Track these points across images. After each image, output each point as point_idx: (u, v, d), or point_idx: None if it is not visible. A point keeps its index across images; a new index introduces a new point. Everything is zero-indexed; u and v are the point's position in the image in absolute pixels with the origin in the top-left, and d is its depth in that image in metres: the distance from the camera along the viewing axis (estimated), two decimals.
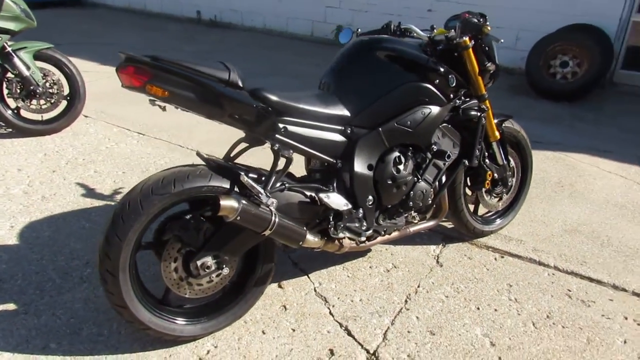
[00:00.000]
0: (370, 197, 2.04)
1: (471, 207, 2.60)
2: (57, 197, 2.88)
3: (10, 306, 2.04)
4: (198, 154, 2.04)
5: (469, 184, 2.56)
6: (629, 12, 5.52)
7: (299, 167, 2.17)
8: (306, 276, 2.33)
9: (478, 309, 2.18)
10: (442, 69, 2.04)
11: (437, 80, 2.05)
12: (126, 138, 3.79)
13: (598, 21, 5.47)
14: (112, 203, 2.85)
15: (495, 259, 2.55)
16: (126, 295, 1.70)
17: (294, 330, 2.00)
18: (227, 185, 1.76)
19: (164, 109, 1.81)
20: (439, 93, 2.07)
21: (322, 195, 1.92)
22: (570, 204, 3.15)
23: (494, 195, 2.61)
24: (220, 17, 8.76)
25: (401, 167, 2.06)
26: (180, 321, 1.84)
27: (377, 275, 2.37)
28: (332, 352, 1.90)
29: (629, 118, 4.90)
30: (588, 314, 2.19)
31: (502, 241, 2.69)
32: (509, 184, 2.61)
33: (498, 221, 2.71)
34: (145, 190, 1.68)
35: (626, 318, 2.17)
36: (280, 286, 2.25)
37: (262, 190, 1.73)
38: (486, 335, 2.03)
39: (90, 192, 2.96)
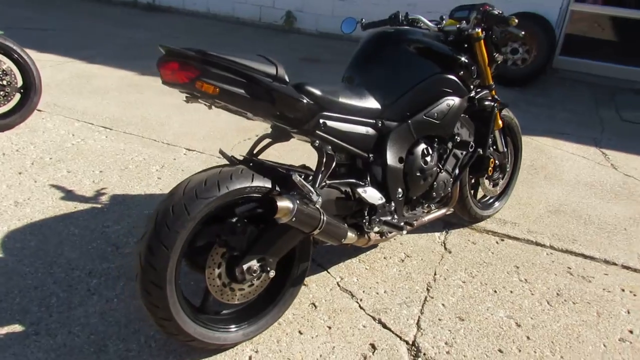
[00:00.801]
0: (400, 190, 2.04)
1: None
2: (32, 201, 2.63)
3: (16, 327, 1.85)
4: (221, 152, 1.94)
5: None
6: (568, 1, 5.88)
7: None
8: (326, 271, 2.30)
9: (495, 292, 2.26)
10: (466, 61, 2.07)
11: (462, 72, 2.08)
12: (92, 133, 3.51)
13: (541, 10, 5.78)
14: (99, 205, 2.64)
15: (497, 242, 2.66)
16: (173, 307, 1.58)
17: (329, 327, 1.97)
18: (269, 184, 1.69)
19: (210, 107, 1.69)
20: (462, 84, 2.10)
21: (359, 190, 1.89)
22: (547, 186, 3.34)
23: (493, 180, 2.71)
24: (159, 0, 8.31)
25: (428, 158, 2.08)
26: (223, 329, 1.75)
27: (393, 265, 2.39)
28: (373, 346, 1.90)
29: (575, 102, 5.25)
30: (591, 289, 2.34)
31: (498, 225, 2.80)
32: (507, 169, 2.71)
33: (496, 204, 2.82)
34: (189, 194, 1.57)
35: (623, 290, 2.35)
36: (303, 283, 2.20)
37: (312, 190, 1.67)
38: (510, 317, 2.11)
39: (69, 195, 2.72)
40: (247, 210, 1.70)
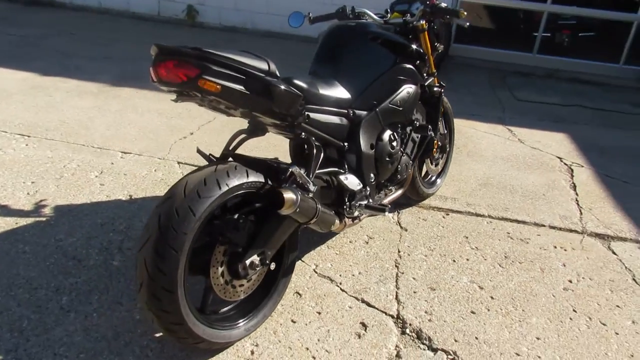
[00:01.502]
0: (372, 175, 2.16)
1: None
2: None
3: None
4: (199, 151, 1.92)
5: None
6: None
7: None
8: (300, 260, 2.36)
9: (454, 261, 2.48)
10: (421, 50, 2.23)
11: (418, 61, 2.24)
12: (9, 142, 3.19)
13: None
14: (43, 218, 2.44)
15: (443, 217, 2.89)
16: (184, 311, 1.56)
17: (319, 312, 2.05)
18: (262, 178, 1.71)
19: (211, 105, 1.66)
20: (417, 73, 2.26)
21: (341, 177, 1.97)
22: (472, 162, 3.67)
23: (435, 160, 2.93)
24: None
25: (395, 143, 2.22)
26: (228, 326, 1.75)
27: (360, 248, 2.51)
28: (363, 324, 2.01)
29: (475, 86, 5.76)
30: (530, 249, 2.66)
31: (440, 201, 3.05)
32: (447, 149, 2.96)
33: (438, 182, 3.06)
34: (191, 194, 1.54)
35: (555, 247, 2.70)
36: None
37: (309, 180, 1.72)
38: (472, 281, 2.34)
39: (5, 211, 2.47)
40: (246, 205, 1.71)
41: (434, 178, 3.07)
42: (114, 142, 3.31)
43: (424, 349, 1.92)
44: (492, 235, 2.75)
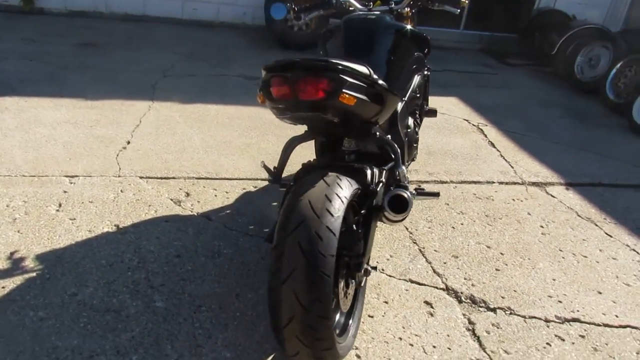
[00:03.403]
0: (407, 162, 2.25)
1: None
2: None
3: None
4: (264, 166, 1.84)
5: None
6: None
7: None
8: None
9: (453, 228, 2.74)
10: (429, 39, 2.33)
11: (426, 49, 2.34)
12: None
13: None
14: (33, 274, 2.00)
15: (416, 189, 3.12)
16: (334, 334, 1.50)
17: (386, 302, 2.12)
18: (361, 185, 1.69)
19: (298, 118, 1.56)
20: (425, 60, 2.38)
21: (401, 169, 2.01)
22: None
23: None
24: None
25: (417, 129, 2.32)
26: (346, 337, 1.72)
27: (376, 232, 2.60)
28: (427, 303, 2.14)
29: None
30: (498, 205, 3.04)
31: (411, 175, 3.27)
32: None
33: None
34: (325, 214, 1.47)
35: (514, 200, 3.14)
36: None
37: (409, 179, 1.74)
38: (479, 243, 2.62)
39: None
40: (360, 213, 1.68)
41: None
42: (46, 166, 2.78)
43: (485, 311, 2.14)
44: (465, 198, 3.07)
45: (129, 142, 3.18)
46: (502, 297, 2.23)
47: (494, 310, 2.15)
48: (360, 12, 2.31)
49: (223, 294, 2.03)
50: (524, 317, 2.13)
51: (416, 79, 2.34)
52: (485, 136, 4.11)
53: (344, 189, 1.58)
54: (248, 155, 3.21)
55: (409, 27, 2.26)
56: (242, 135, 3.50)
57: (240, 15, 6.55)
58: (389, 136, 2.12)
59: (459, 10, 2.47)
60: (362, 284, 1.94)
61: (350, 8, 2.50)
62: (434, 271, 2.35)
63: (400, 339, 1.93)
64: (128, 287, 1.99)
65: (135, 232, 2.33)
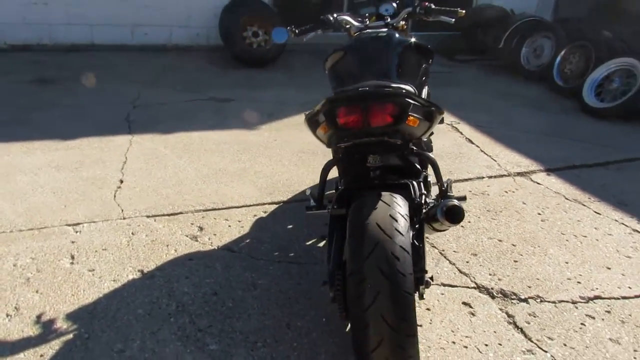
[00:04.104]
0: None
1: None
2: None
3: None
4: (310, 194, 1.86)
5: None
6: None
7: None
8: None
9: (463, 227, 2.84)
10: (433, 51, 2.42)
11: (430, 60, 2.42)
12: None
13: None
14: (68, 337, 1.90)
15: None
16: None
17: (428, 309, 2.17)
18: (406, 201, 1.74)
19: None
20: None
21: (443, 179, 2.07)
22: None
23: None
24: None
25: (431, 137, 2.40)
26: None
27: None
28: (466, 304, 2.22)
29: (314, 70, 6.09)
30: (494, 198, 3.19)
31: None
32: None
33: None
34: (395, 234, 1.51)
35: (506, 192, 3.30)
36: None
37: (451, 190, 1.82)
38: (490, 238, 2.74)
39: (2, 348, 1.84)
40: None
41: None
42: (43, 217, 2.64)
43: (518, 302, 2.25)
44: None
45: (122, 181, 3.07)
46: (529, 287, 2.35)
47: (525, 300, 2.26)
48: (368, 31, 2.36)
49: (273, 326, 2.01)
50: (554, 302, 2.26)
51: (426, 90, 2.43)
52: (461, 133, 4.28)
53: (402, 207, 1.62)
54: (247, 181, 3.18)
55: (414, 40, 2.33)
56: (234, 160, 3.46)
57: (194, 37, 6.45)
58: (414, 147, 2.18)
59: (454, 20, 2.58)
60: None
61: (347, 26, 2.55)
62: (460, 271, 2.43)
63: (454, 342, 1.99)
64: (176, 334, 1.93)
65: (162, 276, 2.26)
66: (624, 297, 2.31)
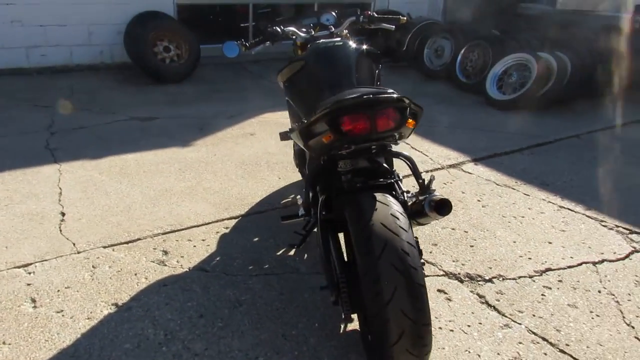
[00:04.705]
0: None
1: None
2: None
3: None
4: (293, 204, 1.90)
5: None
6: None
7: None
8: None
9: None
10: (380, 54, 2.54)
11: (380, 65, 2.54)
12: None
13: (160, 7, 6.12)
14: None
15: None
16: None
17: None
18: (394, 200, 1.84)
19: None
20: None
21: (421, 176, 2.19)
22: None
23: None
24: None
25: None
26: None
27: None
28: (440, 290, 2.37)
29: (232, 83, 6.06)
30: (450, 189, 3.40)
31: None
32: None
33: None
34: (399, 231, 1.60)
35: (450, 182, 3.54)
36: None
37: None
38: (444, 227, 2.94)
39: None
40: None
41: None
42: None
43: (484, 283, 2.45)
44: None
45: (63, 214, 2.85)
46: (490, 268, 2.56)
47: (490, 280, 2.47)
48: (323, 41, 2.43)
49: (269, 339, 2.00)
50: (514, 279, 2.49)
51: None
52: None
53: (397, 205, 1.72)
54: (199, 198, 3.10)
55: (365, 46, 2.45)
56: (178, 179, 3.35)
57: (97, 55, 6.09)
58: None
59: (394, 27, 2.74)
60: None
61: (293, 37, 2.61)
62: (427, 262, 2.59)
63: (441, 328, 2.13)
64: None
65: (140, 306, 2.14)
66: (570, 267, 2.61)
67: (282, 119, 4.67)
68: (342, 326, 2.09)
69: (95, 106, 4.77)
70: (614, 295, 2.40)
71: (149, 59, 5.58)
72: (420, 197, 2.00)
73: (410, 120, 1.65)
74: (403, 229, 1.61)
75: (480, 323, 2.17)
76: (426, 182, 1.95)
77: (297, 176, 3.49)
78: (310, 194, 2.18)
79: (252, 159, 3.73)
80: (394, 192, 1.90)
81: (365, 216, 1.63)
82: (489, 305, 2.29)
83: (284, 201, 2.12)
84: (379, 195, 1.73)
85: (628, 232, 2.96)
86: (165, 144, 3.92)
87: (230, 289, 2.28)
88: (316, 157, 2.02)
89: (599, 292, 2.41)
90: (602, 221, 3.07)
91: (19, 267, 2.36)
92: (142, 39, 5.56)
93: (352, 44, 2.40)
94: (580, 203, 3.29)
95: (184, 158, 3.68)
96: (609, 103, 5.61)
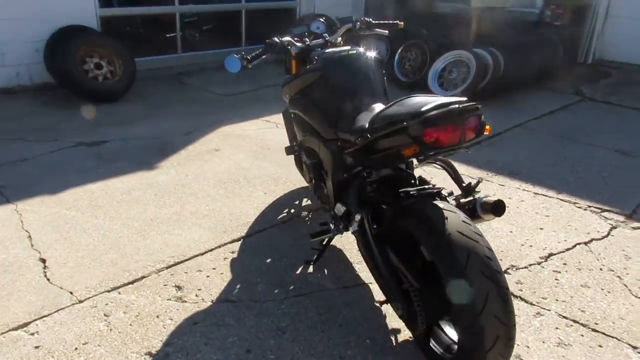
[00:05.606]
0: None
1: None
2: None
3: None
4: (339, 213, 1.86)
5: None
6: (95, 10, 5.93)
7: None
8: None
9: None
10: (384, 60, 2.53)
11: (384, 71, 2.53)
12: None
13: (83, 21, 5.64)
14: None
15: None
16: None
17: None
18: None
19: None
20: None
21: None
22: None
23: None
24: None
25: None
26: None
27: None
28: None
29: (175, 99, 5.73)
30: None
31: None
32: None
33: None
34: (476, 237, 1.61)
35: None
36: None
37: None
38: None
39: None
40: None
41: None
42: None
43: None
44: None
45: (44, 260, 2.52)
46: (501, 260, 2.65)
47: (506, 272, 2.56)
48: (333, 50, 2.39)
49: None
50: (526, 267, 2.60)
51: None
52: None
53: (461, 211, 1.72)
54: (190, 224, 2.90)
55: (375, 54, 2.45)
56: (159, 206, 3.11)
57: (13, 77, 5.47)
58: None
59: (387, 32, 2.75)
60: None
61: (289, 47, 2.54)
62: None
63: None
64: None
65: (178, 350, 1.96)
66: (567, 249, 2.78)
67: (242, 132, 4.51)
68: (394, 339, 2.05)
69: (28, 134, 4.29)
70: (613, 271, 2.59)
71: (79, 78, 5.12)
72: (463, 200, 2.03)
73: (488, 127, 1.66)
74: (478, 234, 1.61)
75: (516, 315, 2.23)
76: (472, 184, 1.98)
77: (282, 189, 3.39)
78: (342, 209, 2.13)
79: (228, 176, 3.57)
80: (445, 198, 1.92)
81: (439, 226, 1.62)
82: (515, 295, 2.37)
83: (313, 238, 2.09)
84: (439, 203, 1.73)
85: (600, 210, 3.22)
86: (128, 169, 3.63)
87: (266, 317, 2.16)
88: (374, 169, 2.00)
89: (600, 269, 2.60)
90: (575, 203, 3.31)
91: (15, 329, 2.05)
92: (69, 56, 5.08)
93: (365, 52, 2.39)
94: (551, 188, 3.52)
95: (155, 182, 3.43)
96: (535, 93, 6.09)
